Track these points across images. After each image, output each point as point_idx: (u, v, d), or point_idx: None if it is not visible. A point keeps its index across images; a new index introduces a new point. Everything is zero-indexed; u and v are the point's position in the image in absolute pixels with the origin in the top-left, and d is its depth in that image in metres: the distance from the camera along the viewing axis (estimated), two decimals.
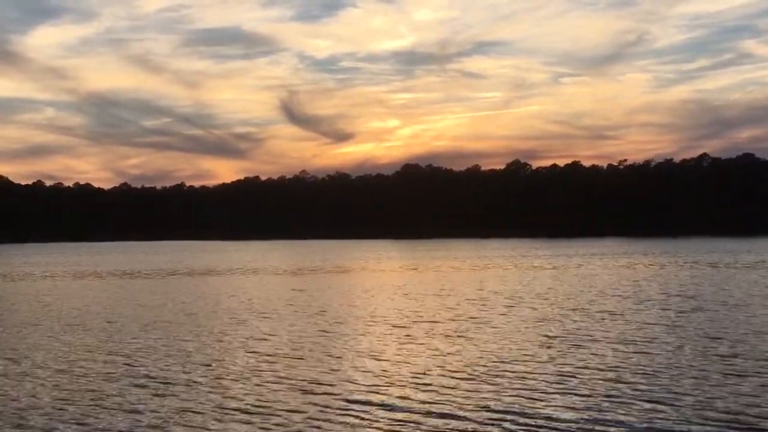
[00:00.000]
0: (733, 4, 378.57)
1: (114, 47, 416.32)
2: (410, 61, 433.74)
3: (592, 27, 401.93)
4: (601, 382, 22.00)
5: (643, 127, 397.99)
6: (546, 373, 23.32)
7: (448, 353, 27.34)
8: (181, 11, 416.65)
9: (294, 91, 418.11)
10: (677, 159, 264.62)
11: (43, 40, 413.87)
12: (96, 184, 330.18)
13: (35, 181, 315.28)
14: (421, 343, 29.72)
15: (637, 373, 23.02)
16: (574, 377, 22.69)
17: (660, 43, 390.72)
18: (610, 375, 22.88)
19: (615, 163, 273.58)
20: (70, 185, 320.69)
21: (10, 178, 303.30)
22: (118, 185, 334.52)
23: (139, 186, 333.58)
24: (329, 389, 21.74)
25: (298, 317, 38.93)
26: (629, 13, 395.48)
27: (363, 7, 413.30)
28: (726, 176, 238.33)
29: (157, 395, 21.41)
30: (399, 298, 48.50)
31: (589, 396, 20.35)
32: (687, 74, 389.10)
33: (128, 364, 26.11)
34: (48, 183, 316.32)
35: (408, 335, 32.02)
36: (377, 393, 21.18)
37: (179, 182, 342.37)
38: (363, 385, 22.23)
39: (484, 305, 43.03)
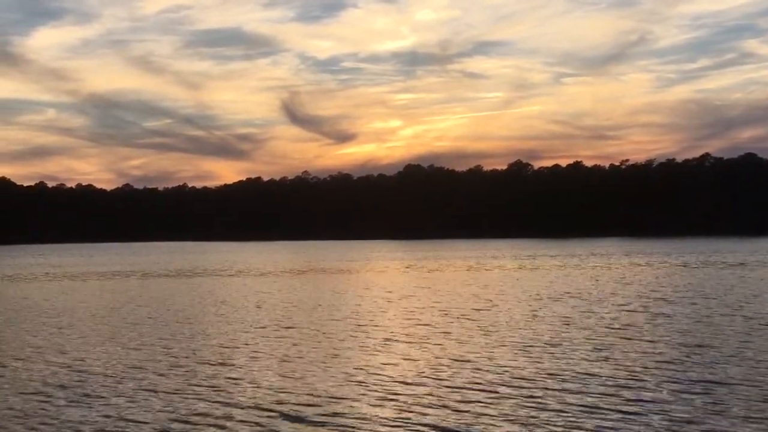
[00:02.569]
0: (735, 4, 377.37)
1: (115, 48, 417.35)
2: (412, 61, 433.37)
3: (593, 27, 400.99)
4: (566, 392, 21.18)
5: (645, 127, 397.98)
6: (503, 380, 22.62)
7: (408, 359, 26.66)
8: (182, 12, 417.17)
9: (295, 92, 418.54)
10: (679, 159, 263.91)
11: (44, 42, 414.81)
12: (98, 186, 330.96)
13: (37, 182, 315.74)
14: (379, 350, 29.03)
15: (605, 382, 22.23)
16: (535, 385, 21.95)
17: (662, 43, 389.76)
18: (574, 384, 22.00)
19: (617, 164, 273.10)
20: (72, 186, 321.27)
21: (12, 180, 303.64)
22: (120, 186, 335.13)
23: (140, 187, 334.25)
24: (264, 398, 21.06)
25: (264, 321, 38.27)
26: (631, 13, 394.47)
27: (364, 8, 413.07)
28: (728, 176, 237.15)
29: (95, 404, 20.72)
30: (376, 300, 47.78)
31: (547, 406, 19.63)
32: (689, 74, 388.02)
33: (70, 368, 25.44)
34: (50, 184, 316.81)
35: (368, 339, 31.33)
36: (312, 404, 20.52)
37: (181, 183, 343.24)
38: (300, 394, 21.55)
39: (459, 308, 42.31)
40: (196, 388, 22.07)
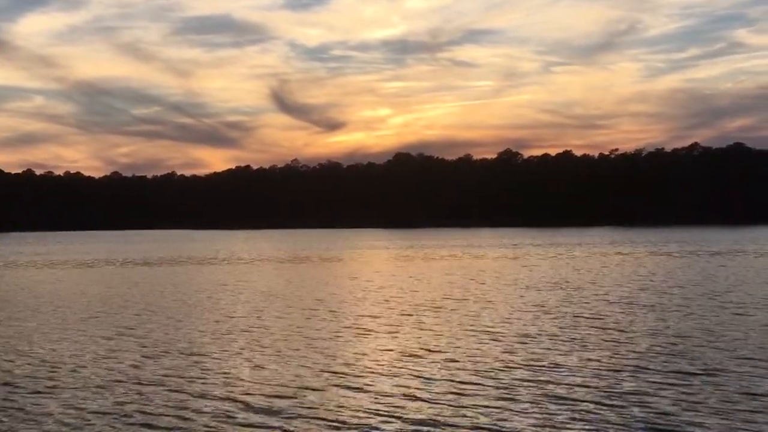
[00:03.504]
0: None
1: (103, 35, 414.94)
2: (402, 49, 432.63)
3: (583, 16, 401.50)
4: (541, 382, 20.88)
5: (634, 116, 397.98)
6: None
7: (381, 349, 26.38)
8: None
9: (285, 80, 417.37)
10: (668, 148, 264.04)
11: (32, 28, 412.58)
12: (86, 173, 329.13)
13: (25, 169, 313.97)
14: (352, 340, 28.75)
15: (581, 372, 21.96)
16: (510, 376, 21.63)
17: (651, 32, 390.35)
18: (549, 375, 21.68)
19: (606, 153, 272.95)
20: (60, 174, 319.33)
21: (0, 167, 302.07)
22: (108, 174, 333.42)
23: (129, 175, 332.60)
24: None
25: (240, 310, 37.93)
26: (621, 1, 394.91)
27: None
28: (717, 166, 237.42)
29: (61, 395, 20.32)
30: (354, 289, 47.45)
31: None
32: (678, 63, 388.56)
33: (39, 358, 25.05)
34: (38, 172, 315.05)
35: (343, 329, 31.02)
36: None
37: (170, 171, 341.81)
38: (271, 385, 21.22)
39: (436, 297, 42.04)
40: (165, 379, 21.70)
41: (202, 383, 21.07)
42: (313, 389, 20.17)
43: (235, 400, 19.09)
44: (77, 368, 23.44)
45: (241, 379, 21.44)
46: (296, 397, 19.33)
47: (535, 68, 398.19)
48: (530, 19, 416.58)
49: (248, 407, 18.44)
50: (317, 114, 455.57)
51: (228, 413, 17.99)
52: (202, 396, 19.64)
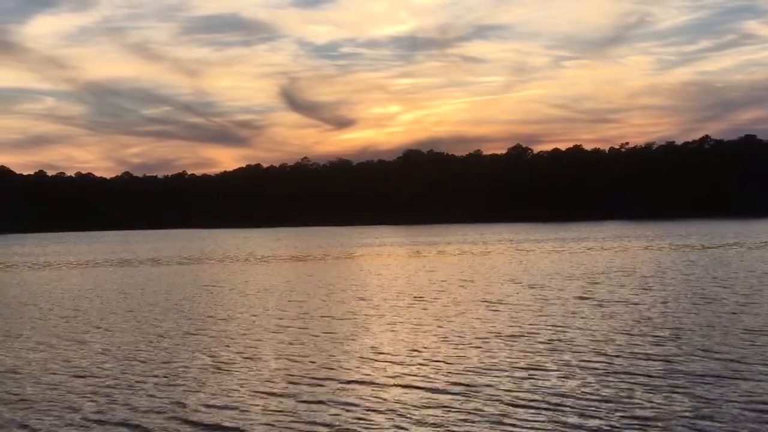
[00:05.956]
0: None
1: (113, 36, 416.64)
2: (411, 46, 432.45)
3: (593, 9, 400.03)
4: (515, 386, 20.39)
5: (645, 109, 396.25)
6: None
7: (347, 351, 25.93)
8: None
9: (294, 78, 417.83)
10: (679, 141, 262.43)
11: (41, 30, 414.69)
12: (98, 174, 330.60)
13: (37, 171, 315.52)
14: (323, 340, 28.33)
15: (553, 373, 21.45)
16: (481, 379, 21.13)
17: (662, 25, 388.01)
18: (520, 377, 21.22)
19: (617, 147, 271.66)
20: (72, 175, 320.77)
21: (12, 168, 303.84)
22: (119, 174, 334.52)
23: (140, 175, 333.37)
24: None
25: (201, 311, 37.58)
26: None
27: None
28: (728, 158, 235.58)
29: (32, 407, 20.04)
30: (329, 288, 47.04)
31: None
32: (689, 56, 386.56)
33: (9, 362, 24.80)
34: (50, 173, 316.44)
35: (311, 331, 30.61)
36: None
37: (181, 171, 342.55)
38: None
39: (413, 296, 41.55)
40: (122, 380, 21.36)
41: (164, 385, 20.68)
42: (278, 394, 19.72)
43: (189, 406, 18.69)
44: (33, 371, 23.11)
45: (206, 384, 21.03)
46: (260, 404, 18.90)
47: (545, 63, 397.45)
48: (539, 14, 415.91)
49: (204, 411, 18.05)
50: (327, 112, 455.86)
51: (183, 418, 17.62)
52: (160, 398, 19.26)
